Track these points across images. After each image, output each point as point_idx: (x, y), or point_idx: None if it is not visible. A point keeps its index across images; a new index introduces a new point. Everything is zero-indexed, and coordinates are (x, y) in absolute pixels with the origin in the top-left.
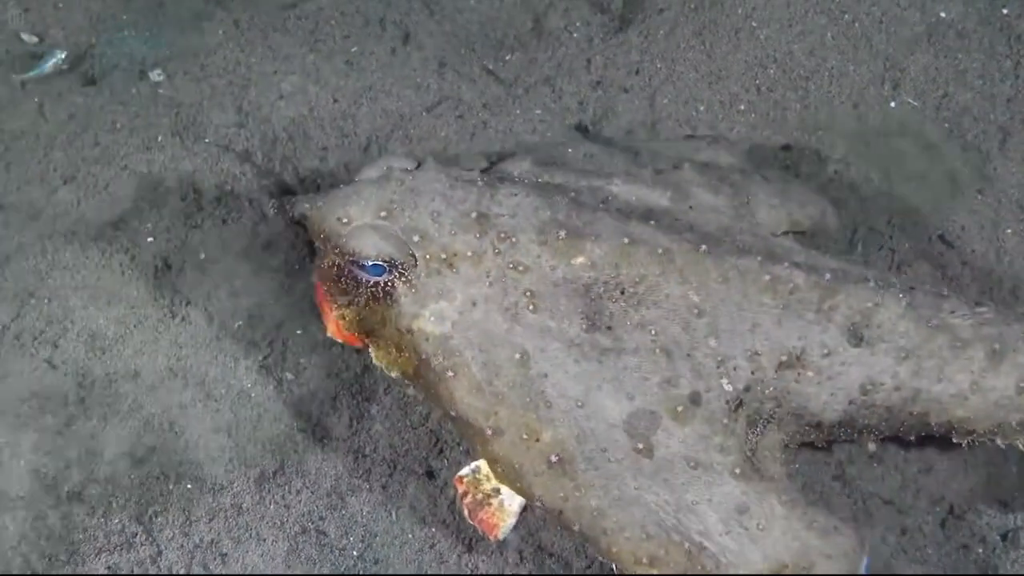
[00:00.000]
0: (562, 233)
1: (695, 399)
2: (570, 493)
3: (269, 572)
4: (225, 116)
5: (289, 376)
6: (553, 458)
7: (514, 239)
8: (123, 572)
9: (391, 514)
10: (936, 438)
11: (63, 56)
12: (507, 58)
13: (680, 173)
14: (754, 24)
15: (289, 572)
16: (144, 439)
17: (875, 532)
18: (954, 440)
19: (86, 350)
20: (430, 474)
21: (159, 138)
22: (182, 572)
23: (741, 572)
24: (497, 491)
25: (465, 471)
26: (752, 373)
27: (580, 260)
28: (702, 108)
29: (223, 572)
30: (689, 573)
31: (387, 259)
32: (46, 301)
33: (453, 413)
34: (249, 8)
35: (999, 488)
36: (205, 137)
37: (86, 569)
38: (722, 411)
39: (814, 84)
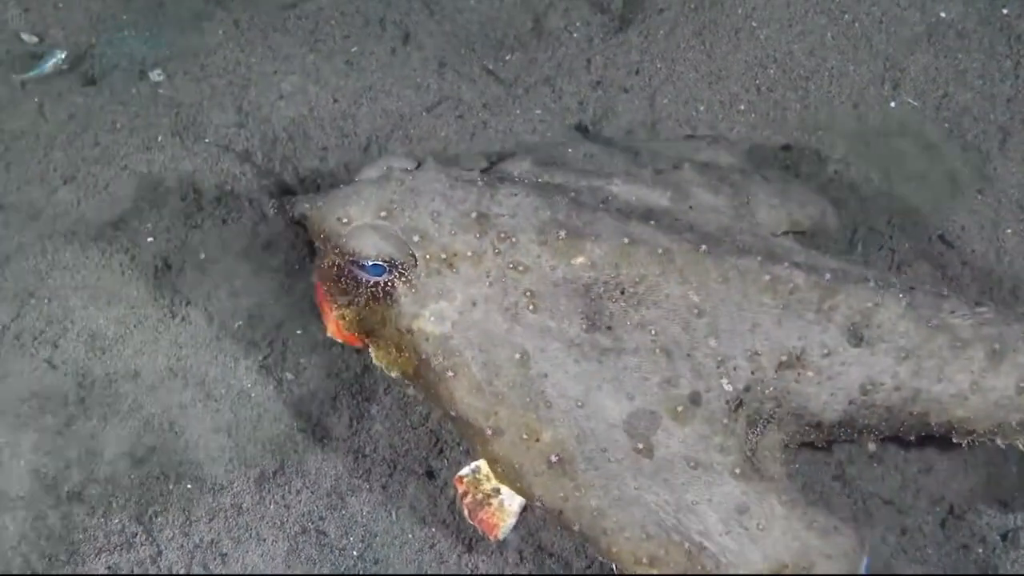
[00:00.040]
0: (562, 233)
1: (695, 399)
2: (570, 493)
3: (269, 572)
4: (225, 116)
5: (289, 376)
6: (553, 458)
7: (514, 239)
8: (123, 572)
9: (391, 514)
10: (936, 438)
11: (63, 56)
12: (507, 58)
13: (680, 173)
14: (754, 24)
15: (289, 572)
16: (144, 439)
17: (875, 532)
18: (954, 440)
19: (86, 350)
20: (430, 474)
21: (159, 138)
22: (182, 572)
23: (741, 572)
24: (497, 491)
25: (465, 471)
26: (752, 373)
27: (580, 260)
28: (702, 108)
29: (223, 572)
30: (689, 573)
31: (387, 259)
32: (46, 301)
33: (453, 413)
34: (249, 8)
35: (999, 488)
36: (205, 137)
37: (86, 569)
38: (722, 411)
39: (814, 84)
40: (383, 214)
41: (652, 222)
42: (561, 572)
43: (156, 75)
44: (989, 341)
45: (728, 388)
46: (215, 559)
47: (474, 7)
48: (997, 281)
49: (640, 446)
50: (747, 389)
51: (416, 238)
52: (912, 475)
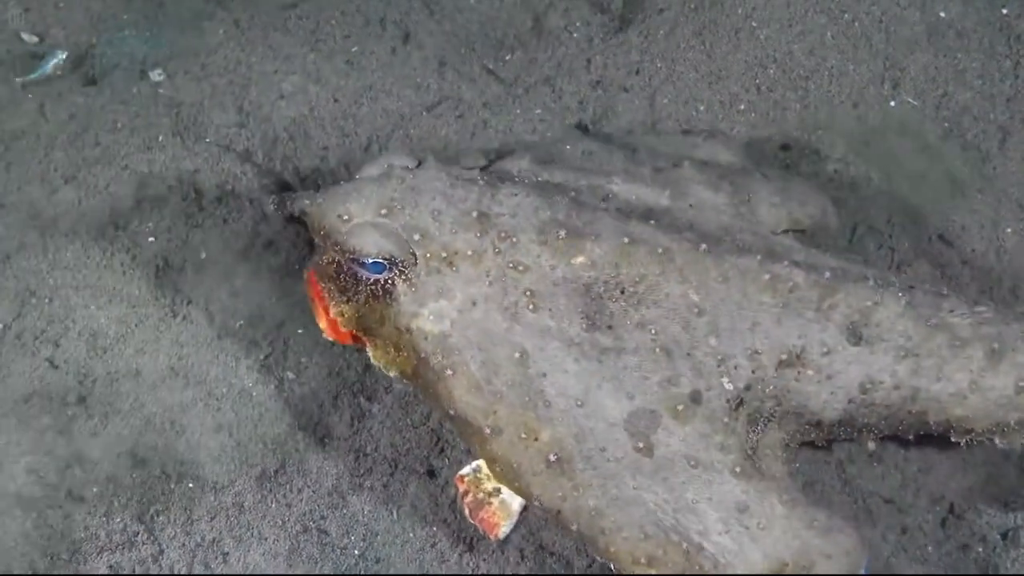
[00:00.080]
0: (562, 233)
1: (695, 398)
2: (568, 493)
3: (270, 571)
4: (226, 116)
5: (290, 375)
6: (551, 457)
7: (514, 238)
8: (125, 571)
9: (392, 513)
10: (936, 437)
11: (64, 56)
12: (507, 58)
13: (680, 171)
14: (754, 24)
15: (290, 571)
16: (145, 438)
17: (875, 531)
18: (953, 439)
19: (87, 349)
20: (431, 473)
21: (160, 138)
22: (184, 571)
23: (741, 571)
24: (498, 490)
25: (466, 470)
26: (752, 372)
27: (580, 259)
28: (702, 108)
29: (225, 571)
30: (687, 573)
31: (387, 257)
32: (47, 300)
33: (452, 412)
34: (249, 8)
35: (999, 487)
36: (206, 137)
37: (88, 568)
38: (723, 410)
39: (814, 84)
40: (384, 212)
41: (652, 221)
42: (562, 572)
43: (157, 75)
44: (988, 340)
45: (729, 387)
46: (217, 558)
47: (474, 7)
48: (997, 280)
49: (640, 445)
50: (748, 388)
51: (416, 236)
52: (912, 474)
